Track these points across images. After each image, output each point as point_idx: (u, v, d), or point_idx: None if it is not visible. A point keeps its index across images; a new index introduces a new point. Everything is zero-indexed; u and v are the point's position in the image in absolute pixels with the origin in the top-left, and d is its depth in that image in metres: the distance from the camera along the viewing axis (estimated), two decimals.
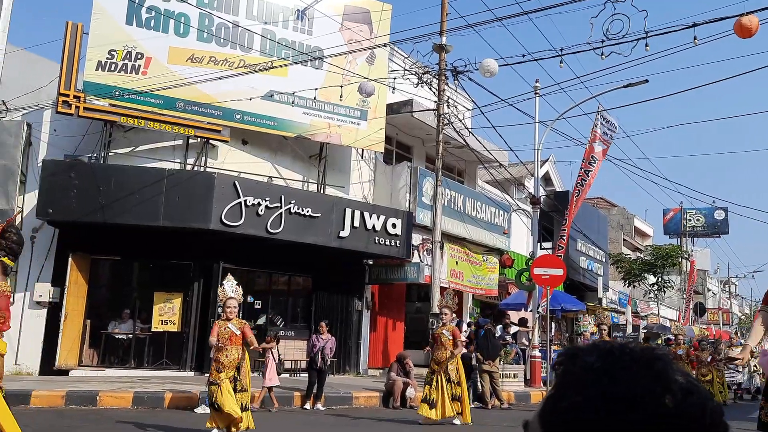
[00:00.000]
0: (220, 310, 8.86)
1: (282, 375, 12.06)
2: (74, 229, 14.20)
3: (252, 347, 8.42)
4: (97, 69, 14.55)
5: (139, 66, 14.84)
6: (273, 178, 16.20)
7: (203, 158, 15.45)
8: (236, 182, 14.59)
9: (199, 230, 14.26)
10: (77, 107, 14.14)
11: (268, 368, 11.30)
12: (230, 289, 8.41)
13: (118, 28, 14.77)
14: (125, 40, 14.79)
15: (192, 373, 14.49)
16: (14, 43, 16.78)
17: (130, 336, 14.99)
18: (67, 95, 14.11)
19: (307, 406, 11.66)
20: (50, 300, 14.24)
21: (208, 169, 15.15)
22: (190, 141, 15.38)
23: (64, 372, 13.78)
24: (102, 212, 13.67)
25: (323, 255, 15.98)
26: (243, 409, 8.02)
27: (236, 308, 8.35)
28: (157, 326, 14.78)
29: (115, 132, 14.91)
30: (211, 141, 15.41)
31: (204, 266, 15.14)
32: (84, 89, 14.31)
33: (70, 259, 14.19)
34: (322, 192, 16.72)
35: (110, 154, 14.79)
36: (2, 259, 5.42)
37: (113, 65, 14.70)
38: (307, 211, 15.40)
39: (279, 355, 11.58)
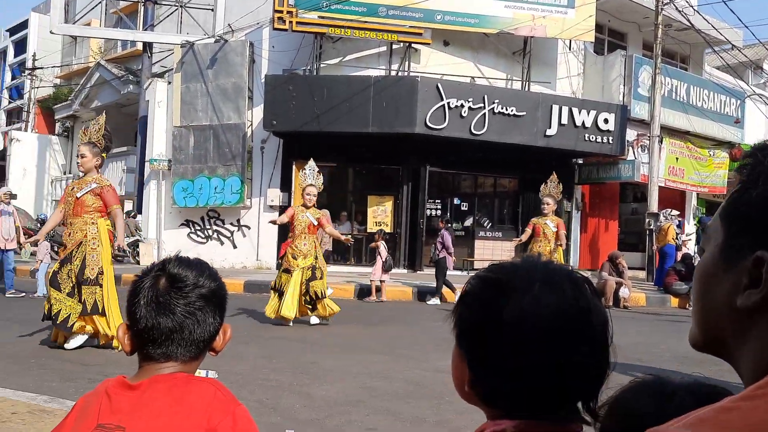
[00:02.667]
0: (299, 197, 8.63)
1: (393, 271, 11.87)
2: (295, 138, 15.33)
3: (332, 237, 8.34)
4: None
5: None
6: (475, 78, 15.86)
7: (406, 63, 15.56)
8: (439, 85, 14.54)
9: (405, 134, 14.58)
10: (290, 22, 14.91)
11: (375, 265, 11.41)
12: (311, 175, 8.27)
13: None
14: None
15: (405, 271, 15.29)
16: None
17: (349, 236, 16.14)
18: (281, 11, 14.90)
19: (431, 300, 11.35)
20: (280, 204, 15.74)
21: (411, 74, 15.26)
22: (394, 47, 15.53)
23: None
24: (317, 121, 14.53)
25: (529, 155, 15.51)
26: (320, 296, 7.93)
27: (315, 196, 8.19)
28: (372, 227, 15.70)
29: (324, 44, 15.54)
30: (413, 45, 15.41)
31: (412, 170, 15.56)
32: (295, 4, 14.99)
33: (293, 166, 15.44)
34: (526, 89, 16.05)
35: (321, 65, 15.51)
36: (104, 155, 6.52)
37: None
38: (512, 110, 14.93)
39: (387, 253, 11.49)
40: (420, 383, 5.29)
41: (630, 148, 16.72)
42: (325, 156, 15.73)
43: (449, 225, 12.15)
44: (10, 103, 28.89)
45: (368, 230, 15.76)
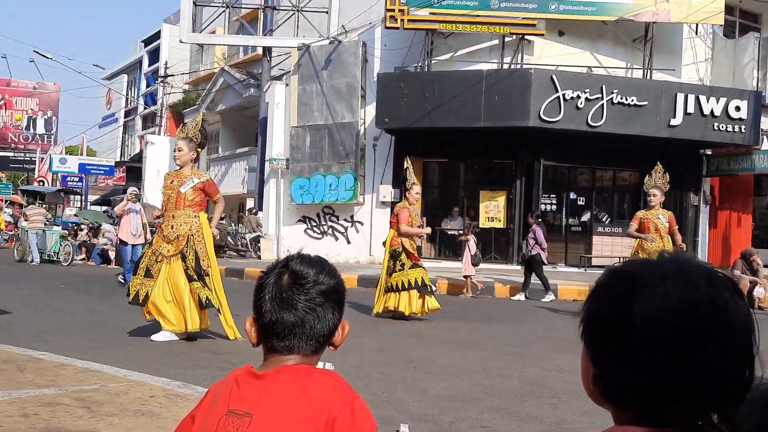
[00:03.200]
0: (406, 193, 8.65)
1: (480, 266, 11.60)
2: (407, 134, 15.45)
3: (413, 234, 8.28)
4: None
5: None
6: (592, 68, 15.25)
7: (519, 55, 15.24)
8: (553, 76, 14.12)
9: (518, 128, 14.29)
10: (402, 20, 15.03)
11: (464, 259, 11.20)
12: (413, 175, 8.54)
13: None
14: None
15: (518, 267, 14.98)
16: None
17: (461, 231, 16.04)
18: (393, 10, 15.06)
19: (516, 296, 11.20)
20: (392, 200, 15.91)
21: (524, 66, 14.92)
22: (506, 39, 15.25)
23: None
24: (429, 117, 14.56)
25: (652, 146, 14.68)
26: (416, 286, 8.11)
27: (418, 194, 8.50)
28: (484, 223, 15.53)
29: (435, 40, 15.54)
30: (526, 36, 15.07)
31: (525, 164, 15.23)
32: (407, 2, 15.09)
33: (405, 162, 15.55)
34: (648, 78, 15.22)
35: (432, 61, 15.52)
36: (198, 150, 6.64)
37: None
38: (632, 100, 14.23)
39: (476, 247, 11.22)
40: (537, 382, 5.16)
41: (765, 137, 15.44)
42: (436, 152, 15.78)
43: (540, 219, 11.85)
44: (145, 109, 31.18)
45: (480, 225, 15.60)
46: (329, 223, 16.87)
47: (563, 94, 14.00)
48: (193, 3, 18.69)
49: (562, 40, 15.46)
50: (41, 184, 26.88)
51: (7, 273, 13.62)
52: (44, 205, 21.82)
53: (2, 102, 37.33)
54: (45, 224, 17.03)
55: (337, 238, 16.69)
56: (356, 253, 16.42)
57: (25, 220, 16.96)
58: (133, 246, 11.67)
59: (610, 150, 14.81)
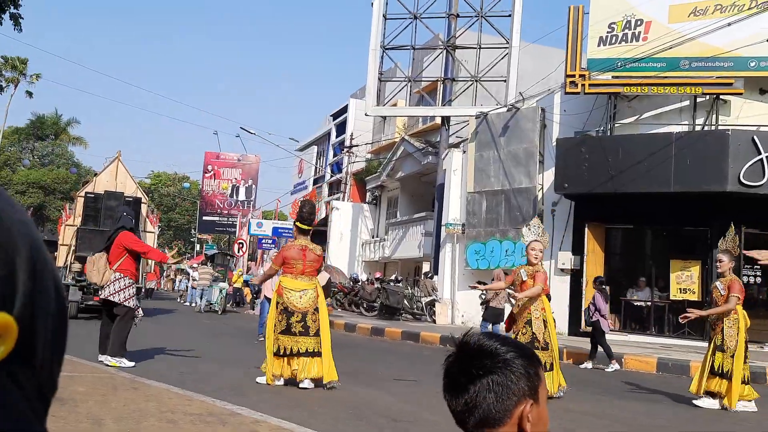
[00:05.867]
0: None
1: None
2: (587, 200, 14.85)
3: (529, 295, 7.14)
4: (598, 45, 14.86)
5: (639, 33, 14.54)
6: None
7: (713, 116, 14.14)
8: (755, 137, 12.89)
9: (714, 193, 13.13)
10: (583, 85, 14.72)
11: None
12: (534, 231, 7.76)
13: (616, 0, 14.79)
14: (624, 9, 14.69)
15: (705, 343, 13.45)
16: (526, 39, 18.60)
17: (648, 303, 14.87)
18: (573, 75, 14.82)
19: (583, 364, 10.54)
20: (572, 267, 15.24)
21: (720, 127, 13.80)
22: (698, 100, 14.27)
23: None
24: (612, 182, 13.90)
25: None
26: (548, 369, 6.85)
27: (541, 252, 7.47)
28: (675, 294, 14.26)
29: (619, 103, 14.98)
30: (721, 96, 13.99)
31: (722, 232, 13.79)
32: (588, 67, 14.80)
33: (585, 229, 14.92)
34: None
35: (615, 125, 14.93)
36: (296, 223, 6.87)
37: (613, 38, 14.78)
38: None
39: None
40: None
41: None
42: (619, 218, 14.94)
43: (603, 287, 11.02)
44: (331, 177, 33.38)
45: (671, 297, 14.35)
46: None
47: (767, 156, 12.70)
48: (378, 79, 19.88)
49: (764, 98, 14.15)
50: (240, 246, 29.62)
51: (193, 320, 14.92)
52: (212, 266, 25.10)
53: (212, 172, 42.15)
54: (213, 281, 20.91)
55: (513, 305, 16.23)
56: None
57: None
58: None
59: None
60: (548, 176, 15.68)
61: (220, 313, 19.65)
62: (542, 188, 15.93)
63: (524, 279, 7.47)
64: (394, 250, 23.27)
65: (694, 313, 7.82)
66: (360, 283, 20.47)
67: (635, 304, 15.02)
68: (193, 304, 21.64)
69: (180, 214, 58.94)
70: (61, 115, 47.81)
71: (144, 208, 16.14)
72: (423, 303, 18.09)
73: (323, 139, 36.68)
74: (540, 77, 16.45)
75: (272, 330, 6.84)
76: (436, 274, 18.24)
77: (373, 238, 26.37)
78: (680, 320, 8.20)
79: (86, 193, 15.27)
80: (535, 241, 7.68)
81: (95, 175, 17.03)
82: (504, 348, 1.22)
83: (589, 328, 11.18)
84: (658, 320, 14.71)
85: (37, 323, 0.45)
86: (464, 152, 18.01)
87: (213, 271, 22.27)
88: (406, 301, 18.19)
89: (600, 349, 10.54)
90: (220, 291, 20.34)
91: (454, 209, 17.78)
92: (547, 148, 15.85)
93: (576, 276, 15.11)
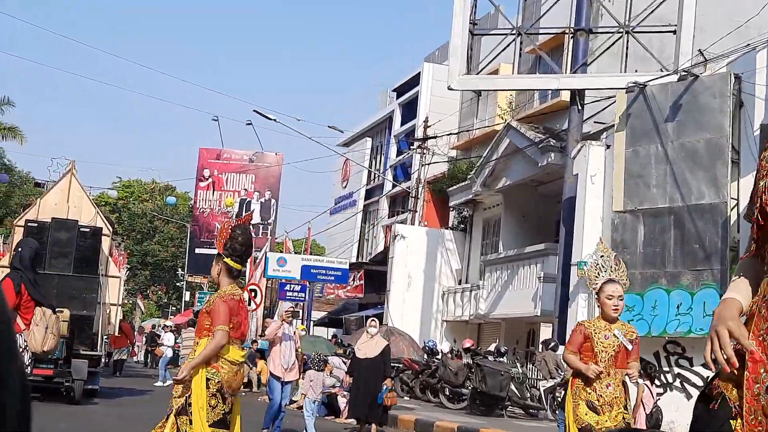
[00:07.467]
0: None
1: None
2: None
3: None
4: None
5: None
6: None
7: None
8: None
9: None
10: None
11: None
12: (607, 265, 7.44)
13: None
14: None
15: None
16: None
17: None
18: None
19: None
20: None
21: None
22: None
23: None
24: None
25: None
26: None
27: (621, 299, 7.11)
28: None
29: None
30: None
31: None
32: None
33: None
34: None
35: None
36: (225, 260, 6.80)
37: None
38: None
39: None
40: None
41: None
42: None
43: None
44: (394, 186, 33.04)
45: None
46: (676, 370, 15.93)
47: None
48: (470, 32, 19.65)
49: None
50: (253, 295, 29.51)
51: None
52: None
53: (210, 180, 42.55)
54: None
55: (690, 396, 15.59)
56: None
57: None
58: (284, 384, 12.27)
59: None
60: (747, 185, 15.07)
61: None
62: (737, 205, 15.40)
63: (625, 345, 7.24)
64: (494, 305, 23.05)
65: None
66: (440, 357, 20.25)
67: None
68: (166, 383, 21.81)
69: (161, 245, 59.92)
70: None
71: (106, 243, 16.59)
72: (542, 390, 17.66)
73: (381, 128, 36.87)
74: (733, 26, 15.91)
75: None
76: (563, 343, 17.74)
77: (459, 284, 26.14)
78: None
79: (27, 221, 15.87)
80: (610, 281, 7.32)
81: (40, 196, 17.64)
82: None
83: None
84: None
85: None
86: (608, 147, 17.74)
87: None
88: (513, 386, 17.82)
89: None
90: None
91: (590, 238, 17.27)
92: (746, 140, 15.34)
93: None
